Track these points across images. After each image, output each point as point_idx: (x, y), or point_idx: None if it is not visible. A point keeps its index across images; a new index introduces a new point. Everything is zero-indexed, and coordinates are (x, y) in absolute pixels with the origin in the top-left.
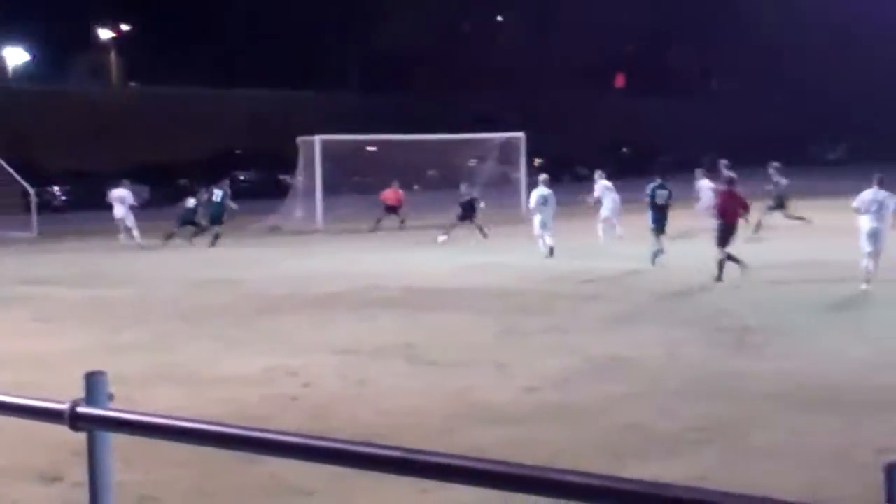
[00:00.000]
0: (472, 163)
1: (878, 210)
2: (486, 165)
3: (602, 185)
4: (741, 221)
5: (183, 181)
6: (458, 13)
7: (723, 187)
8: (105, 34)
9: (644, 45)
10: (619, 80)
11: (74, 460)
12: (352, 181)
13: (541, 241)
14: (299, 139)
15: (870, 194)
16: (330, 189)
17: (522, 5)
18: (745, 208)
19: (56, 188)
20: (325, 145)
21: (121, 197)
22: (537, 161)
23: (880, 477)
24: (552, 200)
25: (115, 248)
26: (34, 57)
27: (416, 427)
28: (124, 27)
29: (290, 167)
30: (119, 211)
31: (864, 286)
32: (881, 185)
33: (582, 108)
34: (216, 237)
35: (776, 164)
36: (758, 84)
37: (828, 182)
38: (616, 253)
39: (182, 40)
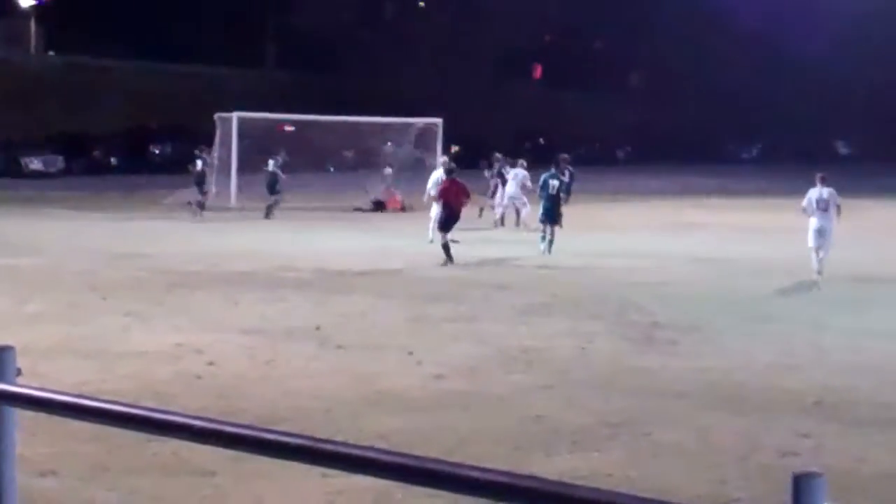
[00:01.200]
0: (389, 147)
1: (825, 208)
2: (403, 150)
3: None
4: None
5: (97, 153)
6: None
7: (446, 177)
8: (25, 1)
9: (563, 37)
10: (537, 71)
11: None
12: (267, 160)
13: (431, 225)
14: (217, 115)
15: (815, 193)
16: (245, 167)
17: None
18: (467, 196)
19: None
20: (243, 123)
21: None
22: (454, 148)
23: (783, 478)
24: None
25: (28, 216)
26: None
27: (322, 411)
28: None
29: (206, 143)
30: None
31: (815, 276)
32: (823, 182)
33: (500, 96)
34: (270, 208)
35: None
36: (677, 81)
37: (740, 181)
38: (529, 242)
39: (103, 11)
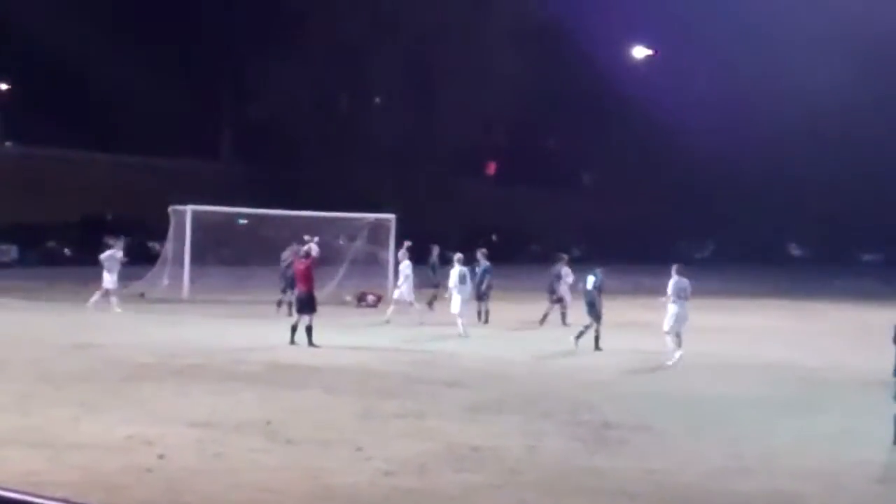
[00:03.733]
0: (342, 241)
1: (685, 297)
2: (356, 245)
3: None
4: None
5: (51, 243)
6: (334, 92)
7: (303, 260)
8: None
9: (516, 135)
10: (491, 168)
11: None
12: (221, 253)
13: (460, 322)
14: (171, 208)
15: (675, 282)
16: (198, 259)
17: (401, 88)
18: (315, 265)
19: None
20: (197, 215)
21: None
22: (406, 243)
23: None
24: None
25: None
26: None
27: None
28: (2, 86)
29: (160, 235)
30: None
31: (673, 359)
32: (680, 273)
33: (454, 192)
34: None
35: (484, 250)
36: (630, 181)
37: (691, 282)
38: (480, 338)
39: (60, 102)
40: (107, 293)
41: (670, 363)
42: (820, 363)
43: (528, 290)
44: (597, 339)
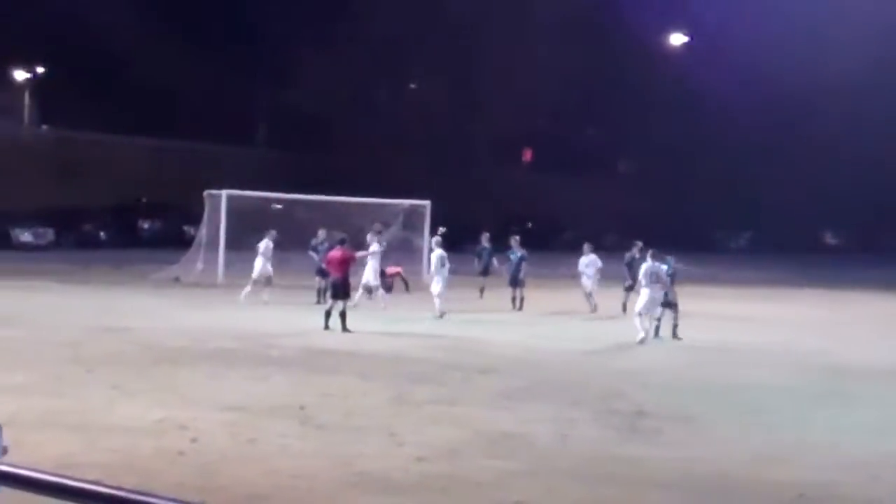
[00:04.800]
0: (377, 227)
1: (655, 281)
2: (391, 230)
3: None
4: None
5: (87, 226)
6: (370, 77)
7: (337, 247)
8: (20, 75)
9: (553, 122)
10: (527, 155)
11: None
12: (255, 238)
13: (437, 302)
14: (206, 193)
15: (648, 267)
16: (233, 244)
17: (436, 75)
18: (354, 260)
19: None
20: (231, 200)
21: None
22: (441, 229)
23: None
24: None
25: (16, 288)
26: None
27: (303, 490)
28: (40, 69)
29: (195, 219)
30: None
31: (640, 335)
32: (654, 257)
33: (490, 179)
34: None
35: (517, 237)
36: (665, 169)
37: (727, 270)
38: (514, 325)
39: (96, 87)
40: (268, 281)
41: (638, 341)
42: (855, 353)
43: (562, 278)
44: (657, 328)
